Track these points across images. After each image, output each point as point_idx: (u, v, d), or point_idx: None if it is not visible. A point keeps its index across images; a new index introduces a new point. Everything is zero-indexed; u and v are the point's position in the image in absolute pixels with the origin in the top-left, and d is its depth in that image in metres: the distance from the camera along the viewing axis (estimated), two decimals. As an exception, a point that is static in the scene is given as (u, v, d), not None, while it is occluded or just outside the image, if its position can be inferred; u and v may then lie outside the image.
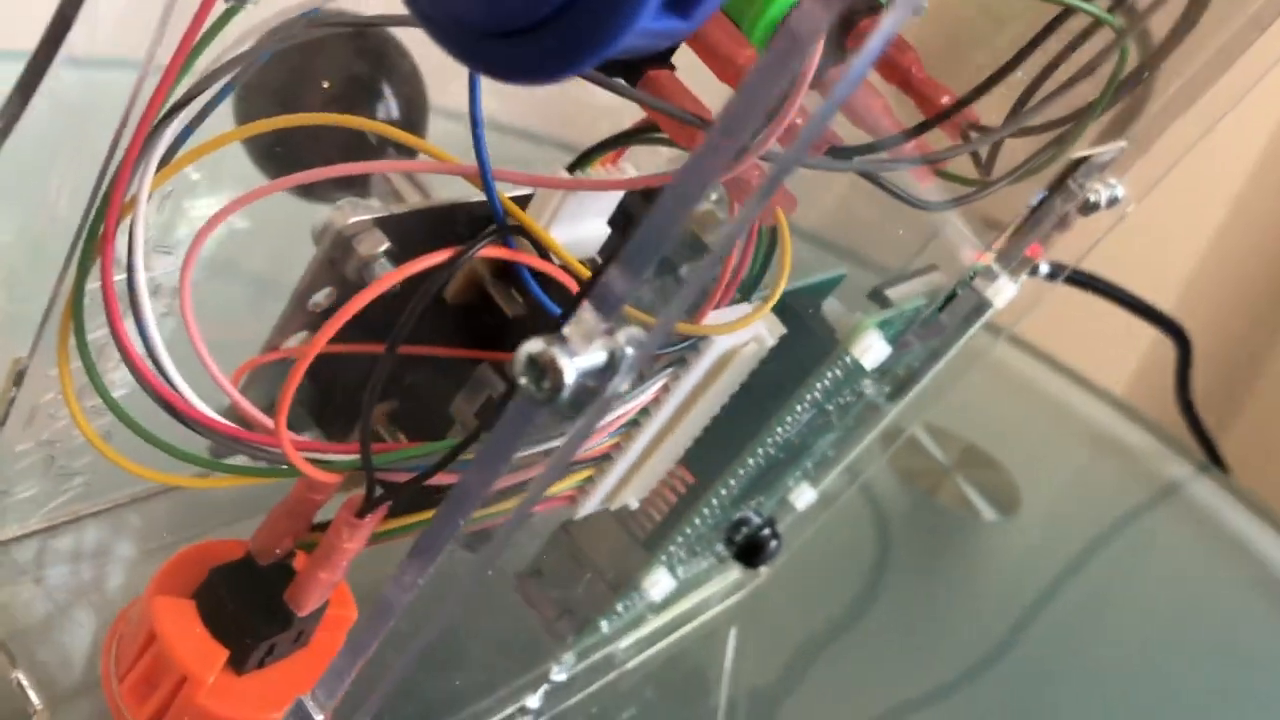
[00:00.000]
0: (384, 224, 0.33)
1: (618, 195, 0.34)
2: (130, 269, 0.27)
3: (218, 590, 0.32)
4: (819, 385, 0.37)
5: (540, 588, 0.44)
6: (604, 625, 0.43)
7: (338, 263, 0.33)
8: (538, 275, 0.30)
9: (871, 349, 0.36)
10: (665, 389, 0.33)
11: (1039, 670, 0.54)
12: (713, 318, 0.31)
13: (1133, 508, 0.65)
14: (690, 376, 0.33)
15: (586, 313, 0.19)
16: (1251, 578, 0.63)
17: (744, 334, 0.33)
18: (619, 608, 0.43)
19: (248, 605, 0.32)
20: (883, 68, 0.28)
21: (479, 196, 0.35)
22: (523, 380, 0.19)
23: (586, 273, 0.27)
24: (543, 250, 0.29)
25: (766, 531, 0.44)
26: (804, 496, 0.46)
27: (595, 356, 0.19)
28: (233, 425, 0.28)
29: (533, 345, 0.19)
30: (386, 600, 0.23)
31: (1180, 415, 0.65)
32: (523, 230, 0.28)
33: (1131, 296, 0.54)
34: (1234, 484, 0.66)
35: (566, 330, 0.19)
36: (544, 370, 0.18)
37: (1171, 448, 0.66)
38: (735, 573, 0.49)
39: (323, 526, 0.33)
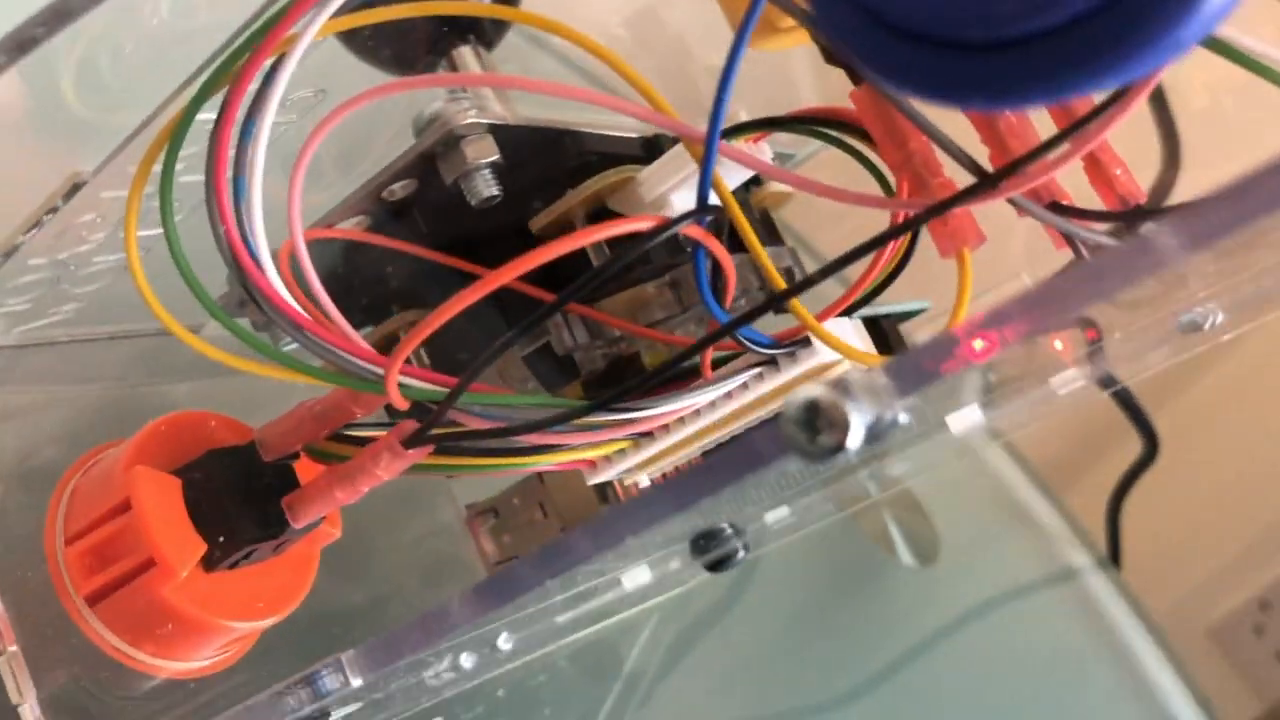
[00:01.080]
0: (497, 132, 0.30)
1: (747, 174, 0.31)
2: (255, 113, 0.23)
3: (211, 475, 0.29)
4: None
5: (492, 529, 0.41)
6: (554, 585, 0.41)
7: (437, 159, 0.30)
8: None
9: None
10: (744, 386, 0.30)
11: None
12: (831, 326, 0.29)
13: (1029, 583, 0.66)
14: (773, 380, 0.30)
15: (880, 376, 0.17)
16: (1119, 679, 0.65)
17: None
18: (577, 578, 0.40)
19: (241, 501, 0.29)
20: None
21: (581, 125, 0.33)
22: (791, 427, 0.16)
23: (781, 282, 0.24)
24: (735, 243, 0.26)
25: (737, 541, 0.42)
26: (777, 512, 0.44)
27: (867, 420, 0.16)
28: (310, 319, 0.25)
29: (819, 392, 0.16)
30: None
31: (1105, 508, 0.66)
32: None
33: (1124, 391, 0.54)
34: (1125, 584, 0.68)
35: (855, 380, 0.16)
36: (827, 425, 0.16)
37: (1079, 536, 0.67)
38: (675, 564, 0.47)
39: (340, 439, 0.30)
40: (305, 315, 0.24)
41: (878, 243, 0.22)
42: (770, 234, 0.38)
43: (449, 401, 0.25)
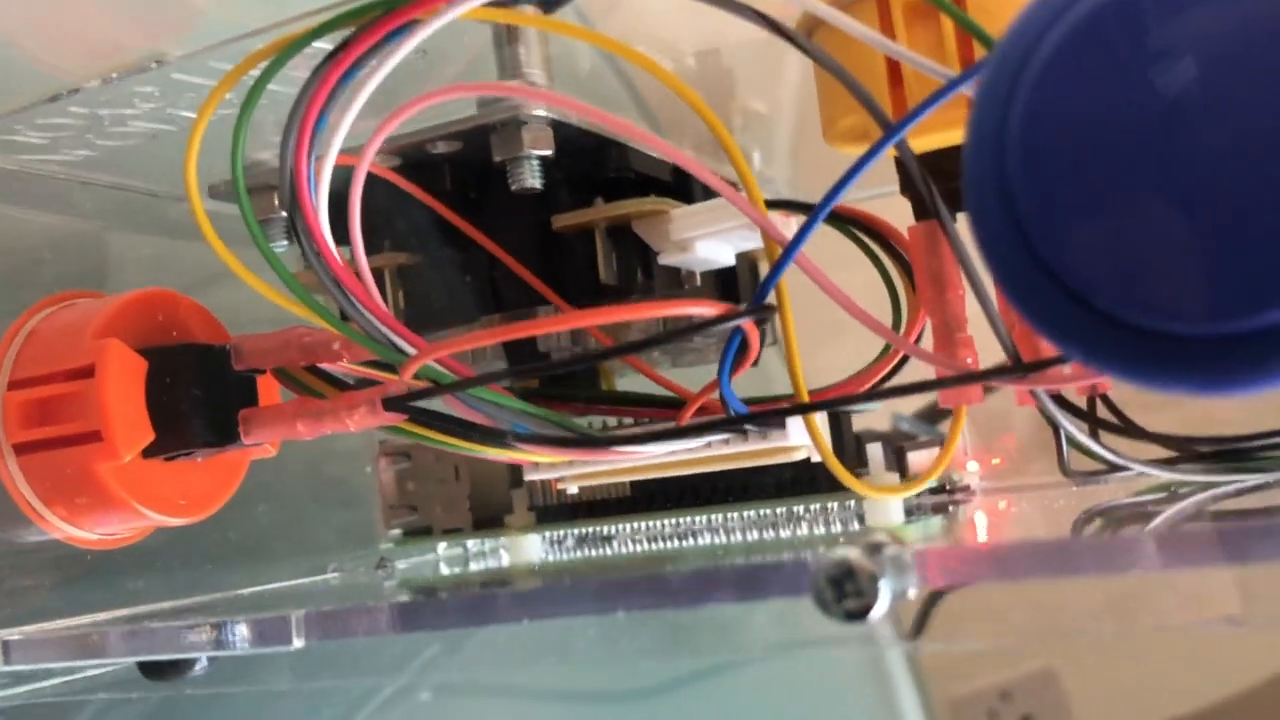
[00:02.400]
0: (557, 128, 0.30)
1: (757, 240, 0.32)
2: (366, 62, 0.23)
3: (179, 369, 0.28)
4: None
5: (400, 472, 0.42)
6: (441, 547, 0.41)
7: (492, 134, 0.30)
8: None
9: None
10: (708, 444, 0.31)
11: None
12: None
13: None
14: (738, 447, 0.31)
15: (909, 554, 0.18)
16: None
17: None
18: (469, 544, 0.41)
19: (200, 402, 0.29)
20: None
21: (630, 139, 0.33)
22: (822, 581, 0.17)
23: (805, 396, 0.25)
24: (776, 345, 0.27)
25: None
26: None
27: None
28: (349, 275, 0.25)
29: (854, 555, 0.17)
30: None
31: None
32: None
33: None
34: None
35: (889, 554, 0.18)
36: (855, 590, 0.17)
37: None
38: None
39: (317, 372, 0.30)
40: (345, 270, 0.24)
41: (916, 388, 0.23)
42: (753, 283, 0.40)
43: (454, 388, 0.25)
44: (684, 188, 0.35)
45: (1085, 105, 0.15)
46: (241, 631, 0.24)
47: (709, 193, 0.37)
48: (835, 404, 0.31)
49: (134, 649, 0.26)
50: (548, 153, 0.30)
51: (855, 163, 0.22)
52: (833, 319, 0.26)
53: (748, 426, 0.29)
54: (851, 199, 0.34)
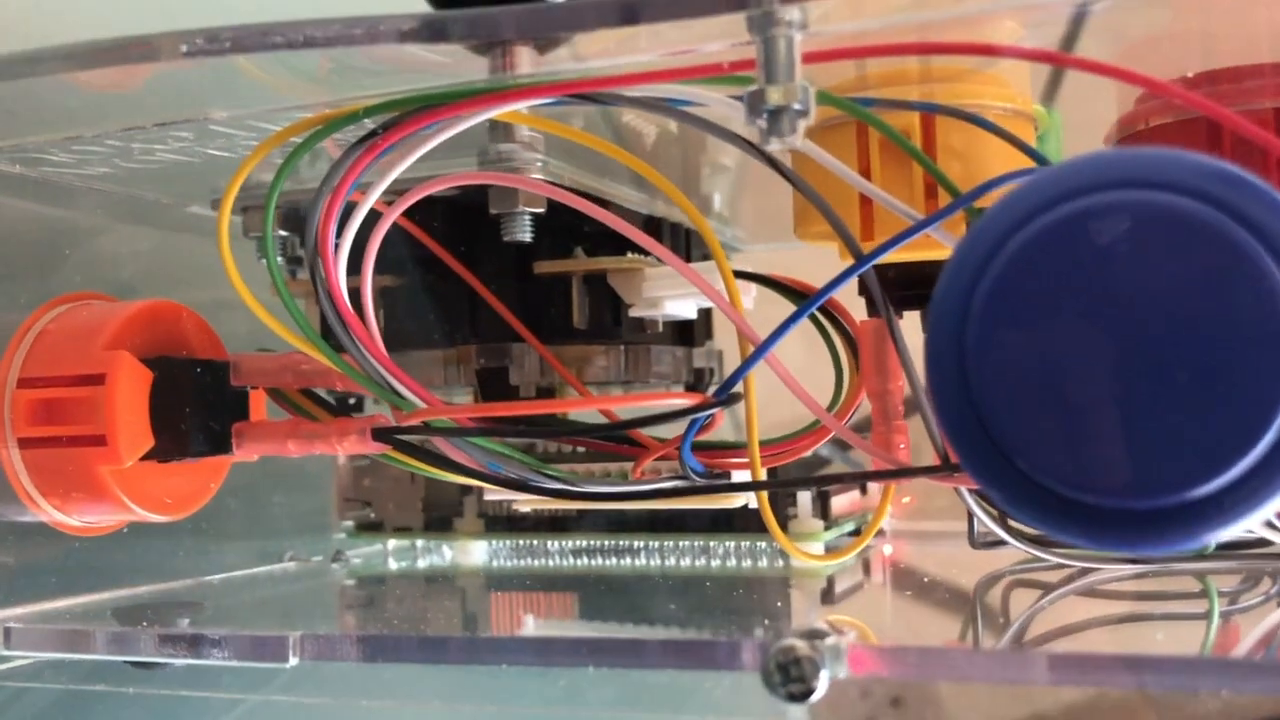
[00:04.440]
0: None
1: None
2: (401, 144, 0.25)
3: (181, 382, 0.31)
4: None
5: (359, 467, 0.44)
6: (390, 543, 0.44)
7: (491, 189, 0.32)
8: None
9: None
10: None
11: None
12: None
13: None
14: (686, 497, 0.34)
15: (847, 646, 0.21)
16: None
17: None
18: (418, 543, 0.44)
19: (199, 414, 0.31)
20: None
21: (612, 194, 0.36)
22: (773, 665, 0.21)
23: (760, 474, 0.28)
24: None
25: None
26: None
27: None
28: (360, 327, 0.27)
29: (801, 647, 0.21)
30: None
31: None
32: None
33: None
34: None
35: (829, 645, 0.21)
36: (799, 676, 0.20)
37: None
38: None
39: (309, 393, 0.32)
40: (358, 322, 0.27)
41: (855, 477, 0.26)
42: (706, 329, 0.43)
43: (448, 434, 0.28)
44: (655, 234, 0.38)
45: (1033, 311, 0.19)
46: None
47: (677, 245, 0.40)
48: (788, 485, 0.34)
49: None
50: (540, 210, 0.33)
51: (827, 285, 0.25)
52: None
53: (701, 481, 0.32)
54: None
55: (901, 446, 0.30)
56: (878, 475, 0.27)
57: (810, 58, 0.21)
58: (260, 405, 0.33)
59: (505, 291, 0.36)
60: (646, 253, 0.38)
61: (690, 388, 0.41)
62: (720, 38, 0.21)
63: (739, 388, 0.26)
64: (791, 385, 0.27)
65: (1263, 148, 0.25)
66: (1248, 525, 0.18)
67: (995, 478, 0.19)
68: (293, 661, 0.25)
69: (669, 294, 0.34)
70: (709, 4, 0.20)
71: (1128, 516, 0.18)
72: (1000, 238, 0.19)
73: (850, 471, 0.36)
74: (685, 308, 0.35)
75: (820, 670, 0.20)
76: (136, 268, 0.38)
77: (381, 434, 0.30)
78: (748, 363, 0.26)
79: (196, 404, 0.31)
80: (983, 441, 0.19)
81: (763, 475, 0.27)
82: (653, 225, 0.39)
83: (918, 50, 0.24)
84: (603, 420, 0.32)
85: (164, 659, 0.27)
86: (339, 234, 0.26)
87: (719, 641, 0.22)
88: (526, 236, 0.33)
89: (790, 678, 0.20)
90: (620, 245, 0.35)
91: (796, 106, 0.20)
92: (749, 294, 0.35)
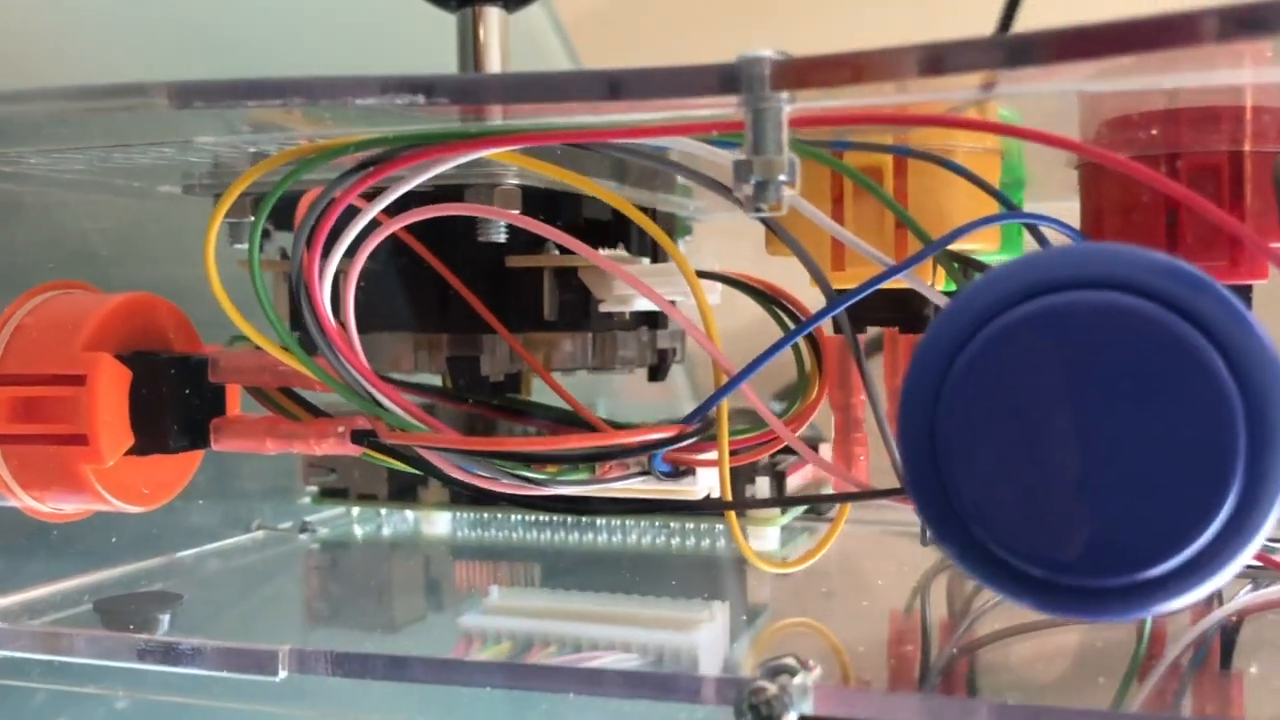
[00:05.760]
0: (525, 189, 0.33)
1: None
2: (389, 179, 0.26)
3: (159, 380, 0.31)
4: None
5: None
6: (354, 511, 0.45)
7: (467, 191, 0.32)
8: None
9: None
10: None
11: None
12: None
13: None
14: (651, 485, 0.35)
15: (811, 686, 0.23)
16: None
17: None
18: (382, 511, 0.45)
19: (177, 411, 0.31)
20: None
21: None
22: (744, 709, 0.22)
23: (729, 495, 0.29)
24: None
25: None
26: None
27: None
28: (342, 341, 0.28)
29: (770, 689, 0.22)
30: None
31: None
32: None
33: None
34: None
35: (796, 684, 0.22)
36: (769, 716, 0.22)
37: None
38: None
39: (292, 395, 0.33)
40: (342, 339, 0.27)
41: (816, 499, 0.27)
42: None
43: (431, 448, 0.29)
44: (624, 227, 0.38)
45: (997, 398, 0.20)
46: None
47: (644, 233, 0.41)
48: (753, 505, 0.35)
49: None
50: (515, 212, 0.33)
51: (802, 325, 0.26)
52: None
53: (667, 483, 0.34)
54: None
55: (861, 458, 0.31)
56: (839, 497, 0.29)
57: (795, 123, 0.22)
58: (236, 397, 0.34)
59: (476, 283, 0.36)
60: (622, 247, 0.39)
61: (654, 369, 0.42)
62: (708, 105, 0.22)
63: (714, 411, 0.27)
64: (756, 404, 0.29)
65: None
66: (1197, 600, 0.20)
67: (954, 543, 0.21)
68: (282, 675, 0.26)
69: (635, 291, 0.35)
70: (697, 85, 0.21)
71: (1081, 592, 0.20)
72: (965, 334, 0.20)
73: (813, 494, 0.37)
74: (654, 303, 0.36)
75: (788, 709, 0.22)
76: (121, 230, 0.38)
77: (360, 437, 0.31)
78: (721, 391, 0.27)
79: (175, 400, 0.31)
80: (946, 509, 0.21)
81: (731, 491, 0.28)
82: (621, 226, 0.39)
83: (895, 121, 0.24)
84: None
85: (148, 665, 0.28)
86: (324, 257, 0.27)
87: (679, 675, 0.24)
88: (501, 238, 0.34)
89: (760, 716, 0.22)
90: (593, 241, 0.36)
91: (783, 178, 0.21)
92: (715, 291, 0.36)
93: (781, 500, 0.33)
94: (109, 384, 0.30)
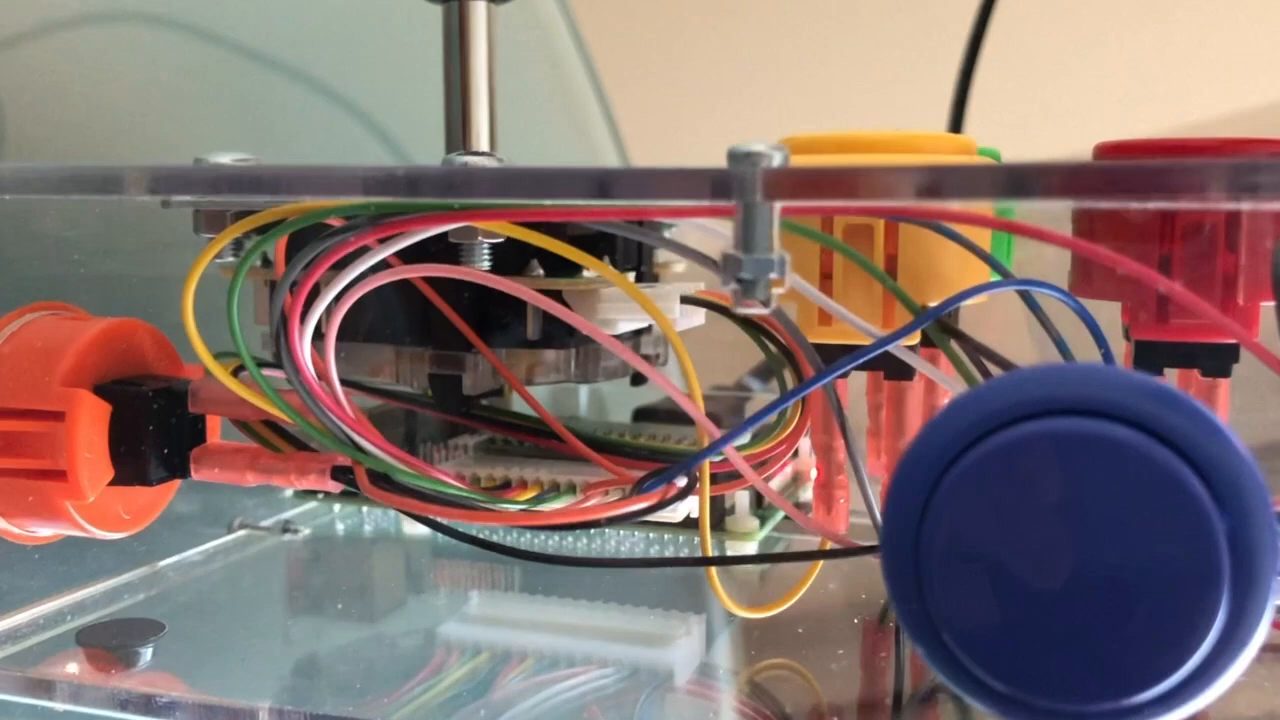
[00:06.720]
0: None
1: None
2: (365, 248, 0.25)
3: (138, 412, 0.31)
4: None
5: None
6: (335, 508, 0.45)
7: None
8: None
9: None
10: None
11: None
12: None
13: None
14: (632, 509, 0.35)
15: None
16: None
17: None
18: (363, 509, 0.45)
19: (156, 442, 0.31)
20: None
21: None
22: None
23: (709, 550, 0.29)
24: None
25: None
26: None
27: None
28: (327, 396, 0.27)
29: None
30: None
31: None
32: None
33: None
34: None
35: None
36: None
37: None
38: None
39: (274, 426, 0.32)
40: (318, 384, 0.27)
41: (794, 557, 0.27)
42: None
43: (413, 493, 0.29)
44: (610, 240, 0.38)
45: (977, 525, 0.20)
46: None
47: (629, 245, 0.40)
48: (735, 562, 0.35)
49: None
50: (499, 239, 0.33)
51: (793, 390, 0.26)
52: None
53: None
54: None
55: (841, 502, 0.31)
56: (817, 555, 0.29)
57: (786, 210, 0.22)
58: (216, 421, 0.33)
59: (459, 301, 0.36)
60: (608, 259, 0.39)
61: (637, 376, 0.41)
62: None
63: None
64: (732, 456, 0.29)
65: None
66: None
67: (933, 655, 0.21)
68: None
69: (624, 317, 0.35)
70: (687, 189, 0.20)
71: (1060, 715, 0.20)
72: (952, 452, 0.20)
73: (792, 550, 0.37)
74: (638, 324, 0.36)
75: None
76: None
77: (341, 473, 0.31)
78: (705, 452, 0.27)
79: (154, 431, 0.31)
80: (926, 623, 0.21)
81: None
82: (606, 241, 0.39)
83: (890, 214, 0.24)
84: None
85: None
86: (304, 317, 0.26)
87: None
88: (485, 264, 0.33)
89: None
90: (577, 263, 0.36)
91: (773, 276, 0.21)
92: (698, 315, 0.36)
93: (757, 558, 0.33)
94: (89, 420, 0.30)
